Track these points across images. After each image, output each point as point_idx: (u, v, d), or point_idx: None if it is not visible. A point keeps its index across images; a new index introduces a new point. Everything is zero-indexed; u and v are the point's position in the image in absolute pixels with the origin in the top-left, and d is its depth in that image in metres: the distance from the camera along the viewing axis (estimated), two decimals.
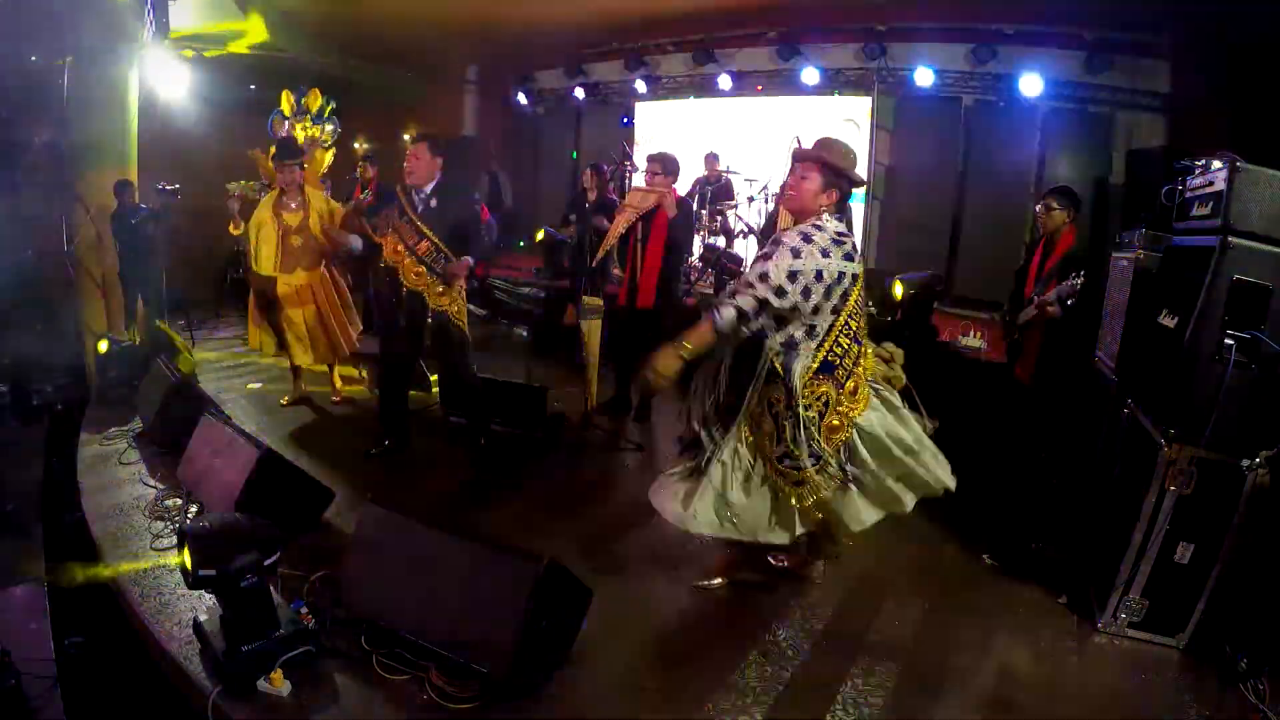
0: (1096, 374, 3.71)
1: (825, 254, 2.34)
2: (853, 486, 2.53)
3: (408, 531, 2.43)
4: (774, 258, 2.35)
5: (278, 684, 2.13)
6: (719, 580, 2.90)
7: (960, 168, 6.47)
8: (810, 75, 6.62)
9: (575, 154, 9.01)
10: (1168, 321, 2.75)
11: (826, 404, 2.45)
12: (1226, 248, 2.37)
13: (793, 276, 2.32)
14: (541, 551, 2.23)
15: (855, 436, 2.50)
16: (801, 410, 2.42)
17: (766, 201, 6.46)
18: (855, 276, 2.44)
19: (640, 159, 6.78)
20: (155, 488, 3.51)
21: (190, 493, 3.31)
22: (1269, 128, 3.52)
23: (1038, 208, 3.56)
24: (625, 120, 8.31)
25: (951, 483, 2.60)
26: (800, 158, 2.50)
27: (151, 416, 4.01)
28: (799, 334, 2.40)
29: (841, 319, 2.43)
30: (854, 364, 2.49)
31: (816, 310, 2.37)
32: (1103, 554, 3.00)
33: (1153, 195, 3.15)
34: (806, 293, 2.33)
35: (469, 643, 2.16)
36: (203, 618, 2.30)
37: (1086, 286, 3.27)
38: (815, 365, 2.42)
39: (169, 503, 3.33)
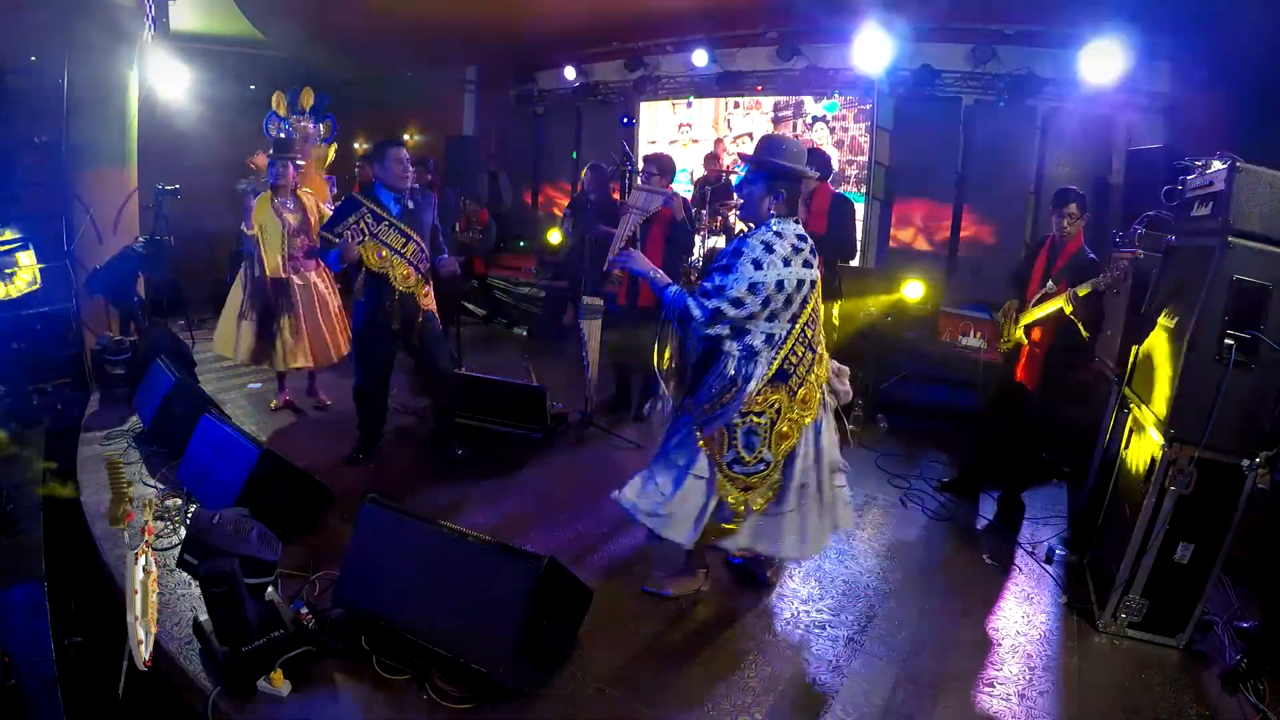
0: (1098, 374, 3.71)
1: (786, 263, 2.34)
2: (795, 512, 2.53)
3: (407, 531, 2.44)
4: (735, 270, 2.34)
5: (278, 684, 2.14)
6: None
7: (960, 168, 6.46)
8: (810, 75, 6.61)
9: (575, 154, 9.00)
10: (1168, 321, 2.75)
11: (779, 411, 2.45)
12: (1226, 248, 2.37)
13: (753, 288, 2.32)
14: (541, 552, 2.23)
15: (810, 452, 2.52)
16: (754, 418, 2.44)
17: None
18: (813, 283, 2.45)
19: (640, 160, 6.76)
20: (155, 488, 3.51)
21: (190, 493, 3.31)
22: (1269, 128, 3.52)
23: (1050, 207, 3.59)
24: (625, 120, 8.30)
25: (851, 523, 2.66)
26: (744, 161, 2.48)
27: (151, 416, 4.01)
28: (758, 342, 2.40)
29: (798, 327, 2.44)
30: (807, 371, 2.49)
31: (774, 318, 2.37)
32: (1103, 554, 3.01)
33: (1153, 195, 3.14)
34: (767, 303, 2.34)
35: (469, 643, 2.16)
36: (203, 618, 2.30)
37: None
38: (770, 373, 2.42)
39: (169, 503, 3.33)
